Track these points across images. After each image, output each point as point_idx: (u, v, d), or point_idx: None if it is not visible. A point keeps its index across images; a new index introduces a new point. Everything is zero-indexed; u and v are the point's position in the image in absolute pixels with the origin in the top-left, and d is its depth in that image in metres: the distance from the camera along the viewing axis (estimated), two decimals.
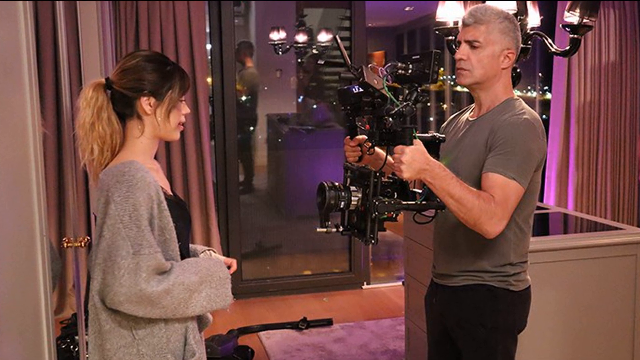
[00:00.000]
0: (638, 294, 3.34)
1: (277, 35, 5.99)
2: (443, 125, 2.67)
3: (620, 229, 3.49)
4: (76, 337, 3.76)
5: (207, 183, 5.31)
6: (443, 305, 2.51)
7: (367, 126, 2.20)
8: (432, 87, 8.15)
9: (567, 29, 3.39)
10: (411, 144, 2.06)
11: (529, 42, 3.56)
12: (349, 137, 2.40)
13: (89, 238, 2.81)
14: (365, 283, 5.97)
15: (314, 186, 2.17)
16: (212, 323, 2.23)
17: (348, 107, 2.23)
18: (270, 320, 5.09)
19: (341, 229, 2.20)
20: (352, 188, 2.13)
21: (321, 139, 6.50)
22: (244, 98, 6.34)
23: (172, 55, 5.04)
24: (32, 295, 2.44)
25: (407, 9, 8.09)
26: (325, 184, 2.11)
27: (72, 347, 3.99)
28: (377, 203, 2.04)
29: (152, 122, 2.05)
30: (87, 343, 2.06)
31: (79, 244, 2.79)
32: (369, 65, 2.11)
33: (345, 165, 2.26)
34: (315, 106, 6.70)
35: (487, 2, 3.29)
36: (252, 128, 6.37)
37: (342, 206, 2.11)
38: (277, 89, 6.65)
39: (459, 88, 7.37)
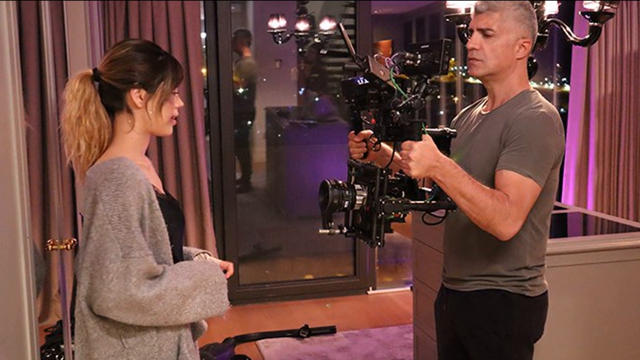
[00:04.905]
0: None
1: (276, 23, 5.98)
2: (454, 119, 2.67)
3: None
4: (62, 346, 3.76)
5: (201, 181, 5.31)
6: (454, 312, 2.51)
7: (373, 120, 2.20)
8: (443, 79, 8.13)
9: (586, 16, 3.38)
10: (420, 139, 2.06)
11: (546, 30, 3.56)
12: (353, 132, 2.40)
13: (75, 240, 2.81)
14: (370, 288, 5.97)
15: (316, 185, 2.17)
16: (207, 331, 2.23)
17: (352, 100, 2.23)
18: (269, 327, 5.09)
19: (345, 230, 2.20)
20: (357, 187, 2.13)
21: (324, 134, 6.50)
22: (241, 90, 6.34)
23: (165, 45, 5.04)
24: (14, 301, 2.44)
25: None
26: (328, 183, 2.11)
27: (57, 356, 4.00)
28: (383, 203, 2.04)
29: (142, 116, 2.05)
30: (73, 352, 2.06)
31: (65, 247, 2.79)
32: (375, 55, 2.11)
33: (350, 162, 2.26)
34: (317, 99, 6.70)
35: None
36: (249, 122, 6.37)
37: (346, 206, 2.11)
38: (276, 81, 6.65)
39: (471, 80, 7.36)
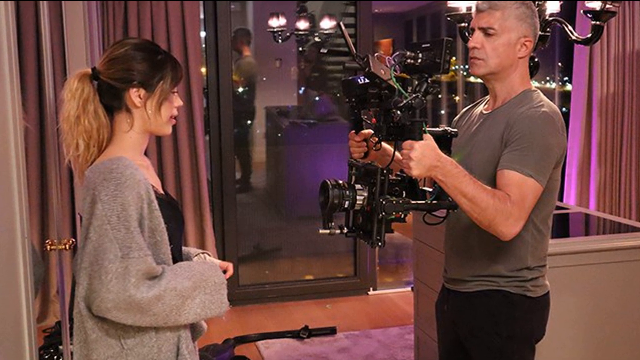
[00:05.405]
0: None
1: (276, 22, 5.98)
2: (455, 118, 2.67)
3: None
4: (60, 347, 3.76)
5: (201, 181, 5.31)
6: (455, 313, 2.51)
7: (374, 120, 2.20)
8: (444, 78, 8.13)
9: (588, 15, 3.38)
10: (421, 139, 2.06)
11: (548, 29, 3.56)
12: (353, 131, 2.40)
13: (74, 240, 2.81)
14: (371, 289, 5.97)
15: (316, 184, 2.17)
16: (207, 332, 2.23)
17: (353, 99, 2.23)
18: (269, 328, 5.09)
19: (345, 230, 2.19)
20: (357, 186, 2.13)
21: (324, 133, 6.50)
22: (240, 89, 6.34)
23: (164, 43, 5.04)
24: (12, 302, 2.44)
25: None
26: (329, 182, 2.11)
27: (55, 357, 4.00)
28: (384, 202, 2.04)
29: (142, 115, 2.05)
30: (72, 353, 2.06)
31: (63, 247, 2.79)
32: (376, 54, 2.11)
33: (350, 161, 2.26)
34: (317, 98, 6.70)
35: None
36: (249, 122, 6.37)
37: (346, 206, 2.11)
38: (276, 80, 6.65)
39: (472, 79, 7.36)
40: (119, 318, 1.88)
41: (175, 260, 2.06)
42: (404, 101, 2.03)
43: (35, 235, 4.80)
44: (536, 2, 3.35)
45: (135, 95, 2.03)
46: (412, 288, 4.78)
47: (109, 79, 2.03)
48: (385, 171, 2.08)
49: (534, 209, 2.25)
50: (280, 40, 6.03)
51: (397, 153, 2.17)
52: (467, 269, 2.44)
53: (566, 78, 6.50)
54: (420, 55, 2.09)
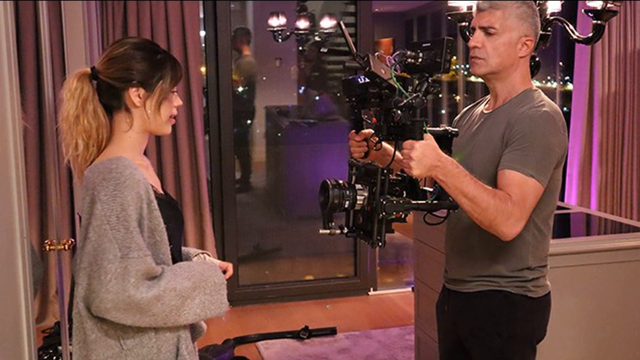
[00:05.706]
0: None
1: (276, 21, 5.98)
2: (456, 118, 2.67)
3: None
4: (59, 348, 3.76)
5: (200, 181, 5.31)
6: (456, 313, 2.51)
7: (374, 119, 2.20)
8: (444, 77, 8.14)
9: (590, 14, 3.38)
10: (421, 138, 2.06)
11: (549, 28, 3.56)
12: (354, 131, 2.40)
13: (73, 240, 2.81)
14: (371, 289, 5.97)
15: (316, 184, 2.17)
16: (207, 332, 2.23)
17: (353, 99, 2.23)
18: (269, 329, 5.09)
19: (346, 230, 2.19)
20: (358, 186, 2.13)
21: (324, 133, 6.50)
22: (240, 89, 6.34)
23: (163, 43, 5.04)
24: (11, 302, 2.44)
25: None
26: (329, 182, 2.11)
27: (55, 358, 4.00)
28: (384, 202, 2.04)
29: (141, 115, 2.05)
30: (71, 354, 2.06)
31: (63, 247, 2.79)
32: (376, 54, 2.11)
33: (350, 161, 2.26)
34: (317, 98, 6.70)
35: None
36: (249, 121, 6.37)
37: (346, 206, 2.11)
38: (276, 79, 6.65)
39: (473, 78, 7.36)
40: (118, 318, 1.88)
41: (174, 261, 2.06)
42: (405, 101, 2.03)
43: (34, 236, 4.79)
44: (537, 2, 3.35)
45: (134, 94, 2.03)
46: (412, 288, 4.78)
47: (108, 78, 2.03)
48: (385, 171, 2.08)
49: (535, 209, 2.25)
50: (280, 40, 6.03)
51: (397, 153, 2.17)
52: (468, 269, 2.44)
53: (567, 77, 6.50)
54: (420, 54, 2.09)
